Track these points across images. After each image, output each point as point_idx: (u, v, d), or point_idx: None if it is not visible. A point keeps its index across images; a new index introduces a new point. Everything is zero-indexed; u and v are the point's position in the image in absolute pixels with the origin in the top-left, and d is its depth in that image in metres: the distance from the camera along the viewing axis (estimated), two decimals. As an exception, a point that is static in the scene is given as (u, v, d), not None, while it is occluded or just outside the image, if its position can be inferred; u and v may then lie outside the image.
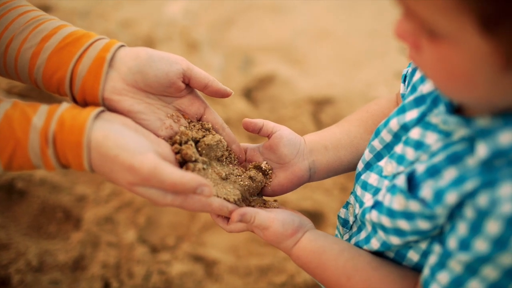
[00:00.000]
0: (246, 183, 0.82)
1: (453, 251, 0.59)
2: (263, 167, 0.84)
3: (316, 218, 1.77)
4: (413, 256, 0.70)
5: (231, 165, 0.85)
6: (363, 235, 0.78)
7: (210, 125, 0.84)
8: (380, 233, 0.71)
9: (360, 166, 0.82)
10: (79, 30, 0.77)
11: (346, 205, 0.86)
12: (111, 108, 0.75)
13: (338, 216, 0.88)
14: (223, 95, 0.83)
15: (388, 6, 2.87)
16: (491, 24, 0.48)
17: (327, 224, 1.73)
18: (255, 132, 0.85)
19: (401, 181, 0.66)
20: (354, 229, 0.83)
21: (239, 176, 0.83)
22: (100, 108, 0.70)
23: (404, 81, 0.84)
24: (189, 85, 0.81)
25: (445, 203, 0.59)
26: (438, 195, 0.59)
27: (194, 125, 0.82)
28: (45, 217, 1.69)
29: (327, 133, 0.89)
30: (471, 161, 0.57)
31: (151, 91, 0.77)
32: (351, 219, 0.84)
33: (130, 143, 0.67)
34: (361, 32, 2.70)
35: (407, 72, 0.83)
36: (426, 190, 0.61)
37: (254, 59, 2.45)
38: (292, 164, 0.84)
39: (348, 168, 0.88)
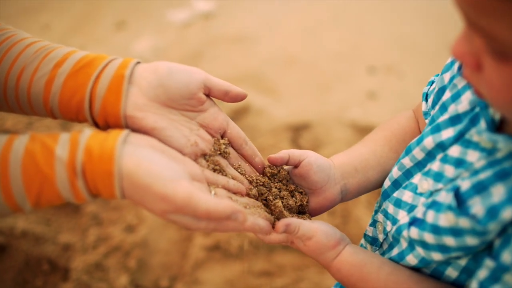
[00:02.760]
0: (290, 202, 0.82)
1: (508, 265, 0.59)
2: (300, 192, 0.84)
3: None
4: (451, 273, 0.70)
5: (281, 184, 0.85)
6: (395, 251, 0.78)
7: (227, 142, 0.81)
8: (419, 250, 0.71)
9: (387, 183, 0.82)
10: (91, 53, 0.75)
11: (374, 223, 0.86)
12: (134, 127, 0.72)
13: (365, 235, 0.88)
14: (243, 97, 0.81)
15: (350, 29, 2.95)
16: None
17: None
18: (284, 164, 0.83)
19: (446, 197, 0.66)
20: (385, 246, 0.82)
21: (287, 198, 0.83)
22: (126, 132, 0.66)
23: (426, 99, 0.84)
24: (209, 97, 0.79)
25: (501, 219, 0.59)
26: (492, 212, 0.59)
27: (219, 140, 0.80)
28: (30, 270, 1.63)
29: (355, 154, 0.89)
30: None
31: (173, 105, 0.75)
32: (380, 237, 0.84)
33: (163, 171, 0.64)
34: (327, 56, 2.76)
35: (428, 90, 0.84)
36: (477, 207, 0.61)
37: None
38: (324, 190, 0.83)
39: (376, 186, 0.89)
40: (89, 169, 0.62)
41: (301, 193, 0.84)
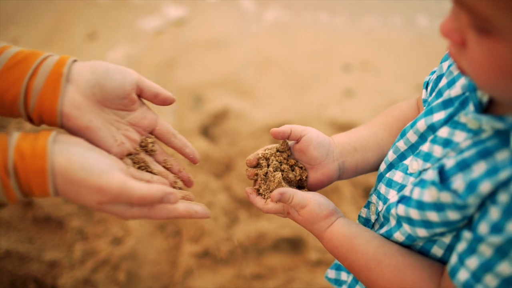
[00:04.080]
0: (290, 176, 0.86)
1: (484, 235, 0.61)
2: (300, 167, 0.88)
3: (297, 244, 1.76)
4: (437, 251, 0.73)
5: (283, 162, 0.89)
6: (384, 230, 0.81)
7: (154, 140, 0.86)
8: (406, 227, 0.74)
9: (383, 166, 0.85)
10: (25, 49, 0.76)
11: (368, 204, 0.88)
12: (69, 124, 0.74)
13: (359, 216, 0.91)
14: (171, 102, 0.85)
15: (323, 29, 2.97)
16: None
17: (308, 248, 1.73)
18: (286, 138, 0.87)
19: (431, 175, 0.69)
20: (377, 226, 0.85)
21: (287, 171, 0.87)
22: (55, 132, 0.69)
23: (426, 87, 0.87)
24: (140, 97, 0.82)
25: (478, 193, 0.61)
26: (471, 186, 0.62)
27: (146, 139, 0.84)
28: (16, 290, 1.59)
29: (356, 135, 0.92)
30: (501, 156, 0.60)
31: (107, 104, 0.78)
32: (373, 218, 0.87)
33: (95, 164, 0.67)
34: (302, 56, 2.77)
35: (430, 79, 0.86)
36: (458, 182, 0.63)
37: (204, 97, 2.45)
38: (323, 166, 0.87)
39: (373, 168, 0.91)
40: (21, 168, 0.64)
41: (301, 168, 0.87)
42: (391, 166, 0.83)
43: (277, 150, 0.88)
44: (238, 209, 1.87)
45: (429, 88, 0.85)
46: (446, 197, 0.65)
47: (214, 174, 2.01)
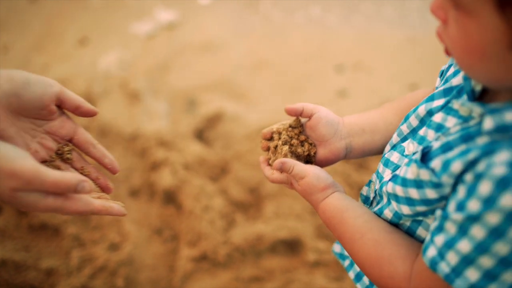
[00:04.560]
0: (299, 150, 0.92)
1: (450, 213, 0.63)
2: (310, 143, 0.94)
3: (294, 246, 1.76)
4: (421, 232, 0.75)
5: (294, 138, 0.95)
6: (378, 207, 0.84)
7: (71, 148, 0.87)
8: (393, 204, 0.77)
9: (387, 148, 0.88)
10: None
11: (369, 183, 0.92)
12: None
13: (361, 194, 0.95)
14: (93, 114, 0.86)
15: (315, 30, 2.98)
16: (506, 4, 0.53)
17: (306, 249, 1.73)
18: (298, 115, 0.93)
19: (417, 155, 0.72)
20: (374, 204, 0.89)
21: (296, 146, 0.93)
22: None
23: (441, 76, 0.89)
24: (60, 108, 0.83)
25: (451, 172, 0.63)
26: (445, 165, 0.64)
27: (63, 147, 0.86)
28: (13, 299, 1.58)
29: (366, 117, 0.96)
30: (480, 141, 0.62)
31: (24, 113, 0.78)
32: (371, 196, 0.90)
33: (8, 151, 0.66)
34: (295, 58, 2.78)
35: (445, 68, 0.89)
36: (436, 161, 0.67)
37: (198, 100, 2.44)
38: (330, 143, 0.92)
39: (381, 151, 0.94)
40: None
41: (310, 144, 0.93)
42: (393, 148, 0.86)
43: (290, 126, 0.94)
44: (235, 212, 1.87)
45: (443, 77, 0.88)
46: (424, 174, 0.68)
47: (209, 177, 2.00)
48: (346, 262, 1.01)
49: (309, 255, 1.71)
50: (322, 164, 0.93)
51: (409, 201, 0.72)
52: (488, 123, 0.61)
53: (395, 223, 0.79)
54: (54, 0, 3.17)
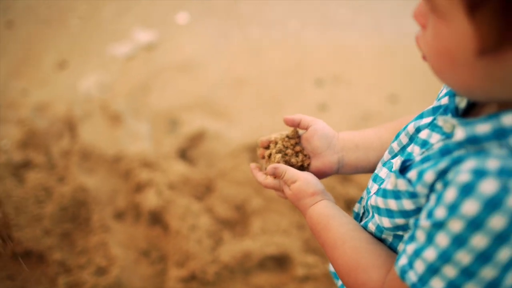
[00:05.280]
0: (292, 160, 0.95)
1: (421, 221, 0.63)
2: (304, 154, 0.97)
3: (283, 261, 1.76)
4: (402, 247, 0.75)
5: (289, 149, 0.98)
6: (364, 221, 0.85)
7: None
8: (376, 216, 0.78)
9: (379, 166, 0.89)
10: None
11: (360, 199, 0.94)
12: None
13: (353, 211, 0.96)
14: None
15: (292, 46, 3.01)
16: (474, 8, 0.53)
17: (294, 264, 1.73)
18: (296, 126, 0.97)
19: (397, 165, 0.74)
20: (363, 219, 0.91)
21: (290, 156, 0.97)
22: None
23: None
24: None
25: (424, 181, 0.64)
26: (420, 174, 0.65)
27: None
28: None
29: (362, 134, 0.98)
30: (456, 153, 0.63)
31: None
32: (361, 212, 0.92)
33: None
34: (274, 74, 2.80)
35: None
36: (413, 172, 0.68)
37: (180, 120, 2.45)
38: (323, 156, 0.95)
39: (374, 168, 0.95)
40: None
41: (305, 155, 0.96)
42: (384, 165, 0.87)
43: (287, 136, 0.98)
44: (222, 230, 1.87)
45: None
46: (402, 185, 0.70)
47: (194, 196, 2.00)
48: (339, 282, 1.01)
49: (298, 270, 1.72)
50: (315, 176, 0.94)
51: (389, 213, 0.73)
52: (459, 134, 0.62)
53: (378, 237, 0.81)
54: (31, 25, 3.16)
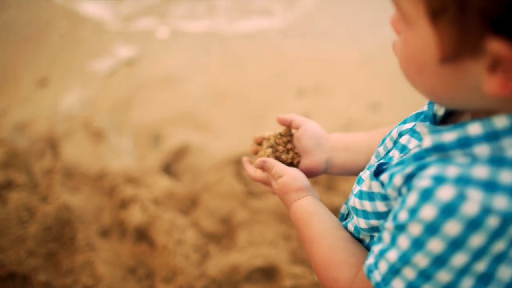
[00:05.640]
0: (283, 157, 0.99)
1: (386, 224, 0.65)
2: (295, 152, 1.01)
3: (271, 273, 1.76)
4: None
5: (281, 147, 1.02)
6: (344, 222, 0.87)
7: None
8: (354, 217, 0.80)
9: (365, 169, 0.91)
10: None
11: (347, 201, 0.95)
12: None
13: (339, 212, 0.99)
14: None
15: (271, 57, 3.03)
16: (435, 16, 0.54)
17: (282, 275, 1.73)
18: (288, 125, 1.01)
19: (373, 168, 0.76)
20: (347, 220, 0.92)
21: (281, 152, 1.01)
22: None
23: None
24: None
25: (393, 184, 0.66)
26: (390, 178, 0.67)
27: None
28: None
29: (352, 136, 1.00)
30: (428, 159, 0.64)
31: None
32: (346, 213, 0.95)
33: None
34: (256, 86, 2.81)
35: None
36: (385, 175, 0.70)
37: (163, 134, 2.44)
38: (312, 155, 0.98)
39: (362, 170, 0.97)
40: None
41: (296, 153, 1.00)
42: (368, 168, 0.89)
43: (280, 134, 1.02)
44: (208, 244, 1.86)
45: None
46: (375, 186, 0.72)
47: (180, 211, 1.99)
48: None
49: (286, 281, 1.72)
50: (303, 174, 0.97)
51: (365, 214, 0.75)
52: (426, 142, 0.63)
53: (356, 238, 0.83)
54: (10, 42, 3.14)
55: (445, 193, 0.55)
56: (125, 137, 2.42)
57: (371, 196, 0.73)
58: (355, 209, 0.79)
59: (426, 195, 0.57)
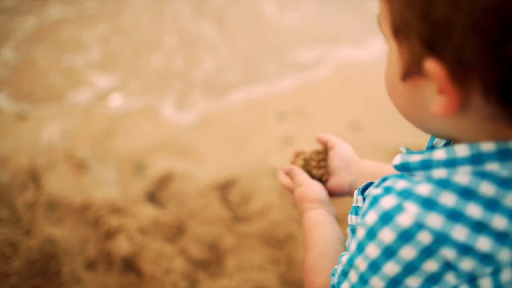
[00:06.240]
0: (314, 172, 1.05)
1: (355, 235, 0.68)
2: (326, 169, 1.07)
3: (260, 297, 1.76)
4: None
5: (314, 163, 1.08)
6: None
7: None
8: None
9: None
10: None
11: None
12: None
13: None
14: None
15: (252, 82, 3.06)
16: (395, 34, 0.57)
17: (272, 300, 1.73)
18: (324, 144, 1.08)
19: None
20: None
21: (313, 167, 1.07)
22: None
23: None
24: None
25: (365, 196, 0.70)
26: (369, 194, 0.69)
27: None
28: None
29: (380, 166, 1.04)
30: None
31: None
32: None
33: None
34: (237, 111, 2.84)
35: None
36: (368, 190, 0.71)
37: (146, 162, 2.44)
38: (339, 175, 1.03)
39: None
40: None
41: (327, 172, 1.06)
42: None
43: (317, 151, 1.09)
44: (197, 271, 1.85)
45: None
46: (360, 200, 0.76)
47: (167, 239, 1.98)
48: None
49: (276, 305, 1.71)
50: (329, 192, 1.03)
51: (352, 229, 0.76)
52: (396, 160, 0.66)
53: None
54: (-13, 77, 3.12)
55: (387, 202, 0.58)
56: (108, 167, 2.40)
57: (356, 210, 0.77)
58: (350, 225, 0.81)
59: (374, 201, 0.60)
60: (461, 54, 0.50)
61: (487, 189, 0.55)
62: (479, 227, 0.54)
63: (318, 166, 1.06)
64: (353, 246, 0.64)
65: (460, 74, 0.51)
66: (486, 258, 0.55)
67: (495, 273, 0.56)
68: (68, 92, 2.98)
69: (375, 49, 3.24)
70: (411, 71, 0.57)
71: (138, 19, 3.66)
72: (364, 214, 0.62)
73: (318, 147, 1.11)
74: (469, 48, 0.49)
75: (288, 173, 1.03)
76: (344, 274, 0.66)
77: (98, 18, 3.68)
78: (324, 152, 1.08)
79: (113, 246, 1.90)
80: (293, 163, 1.12)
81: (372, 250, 0.60)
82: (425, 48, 0.53)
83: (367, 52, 3.22)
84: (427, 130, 0.66)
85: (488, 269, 0.56)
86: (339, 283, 0.68)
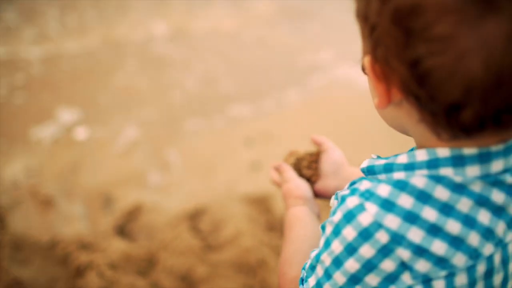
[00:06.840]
0: (304, 172, 1.07)
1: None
2: (316, 171, 1.09)
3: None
4: None
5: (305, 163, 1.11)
6: None
7: None
8: None
9: None
10: None
11: None
12: None
13: None
14: None
15: (214, 108, 3.08)
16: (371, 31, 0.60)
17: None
18: (318, 146, 1.09)
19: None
20: None
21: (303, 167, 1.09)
22: None
23: None
24: None
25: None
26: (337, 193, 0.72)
27: None
28: None
29: None
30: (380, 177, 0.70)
31: None
32: None
33: None
34: (202, 138, 2.84)
35: None
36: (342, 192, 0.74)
37: (114, 196, 2.41)
38: (326, 179, 1.05)
39: None
40: None
41: (316, 173, 1.07)
42: None
43: (310, 153, 1.10)
44: (170, 304, 1.83)
45: None
46: (335, 203, 0.76)
47: (138, 272, 1.95)
48: None
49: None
50: (315, 194, 1.05)
51: (322, 226, 0.80)
52: (364, 164, 0.69)
53: None
54: None
55: (351, 201, 0.61)
56: (75, 202, 2.37)
57: (334, 212, 0.78)
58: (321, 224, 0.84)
59: (342, 201, 0.63)
60: (376, 51, 0.57)
61: (441, 193, 0.58)
62: (434, 230, 0.57)
63: (308, 166, 1.08)
64: (321, 242, 0.67)
65: (379, 70, 0.58)
66: (441, 261, 0.58)
67: (450, 277, 0.59)
68: (32, 128, 2.93)
69: (338, 73, 3.31)
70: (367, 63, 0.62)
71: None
72: (333, 213, 0.65)
73: (313, 149, 1.16)
74: (380, 48, 0.56)
75: (277, 169, 1.05)
76: (312, 268, 0.69)
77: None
78: (317, 155, 1.10)
79: (83, 284, 1.86)
80: (285, 160, 1.15)
81: (336, 246, 0.62)
82: (367, 46, 0.59)
83: (329, 74, 3.29)
84: (409, 135, 0.70)
85: (443, 273, 0.58)
86: (307, 276, 0.70)
